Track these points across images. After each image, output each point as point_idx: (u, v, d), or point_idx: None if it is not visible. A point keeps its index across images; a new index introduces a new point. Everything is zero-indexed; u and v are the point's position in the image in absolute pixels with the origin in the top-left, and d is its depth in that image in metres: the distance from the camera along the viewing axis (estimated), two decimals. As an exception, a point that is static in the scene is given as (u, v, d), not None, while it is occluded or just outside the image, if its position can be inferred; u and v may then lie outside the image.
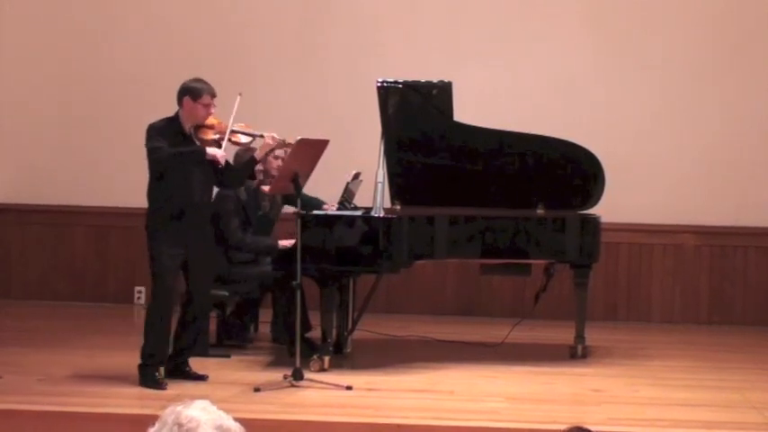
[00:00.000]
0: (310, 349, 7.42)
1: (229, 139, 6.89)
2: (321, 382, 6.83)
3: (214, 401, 2.74)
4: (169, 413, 2.69)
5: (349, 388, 6.79)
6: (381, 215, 7.35)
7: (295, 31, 9.96)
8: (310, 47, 9.93)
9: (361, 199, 7.98)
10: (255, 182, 7.82)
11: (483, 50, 9.81)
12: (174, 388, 6.66)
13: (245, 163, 7.12)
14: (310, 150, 7.11)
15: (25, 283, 10.03)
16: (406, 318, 9.36)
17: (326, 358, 7.31)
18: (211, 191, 7.06)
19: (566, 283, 8.45)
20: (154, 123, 6.81)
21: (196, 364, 7.07)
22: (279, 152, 7.84)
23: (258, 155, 7.12)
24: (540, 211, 7.99)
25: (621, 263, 9.79)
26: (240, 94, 6.88)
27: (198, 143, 6.86)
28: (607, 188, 8.08)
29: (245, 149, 7.31)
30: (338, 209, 7.79)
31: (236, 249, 7.86)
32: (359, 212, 7.60)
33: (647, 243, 9.80)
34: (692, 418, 6.40)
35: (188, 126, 6.84)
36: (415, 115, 7.98)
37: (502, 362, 7.74)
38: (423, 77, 8.10)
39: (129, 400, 6.52)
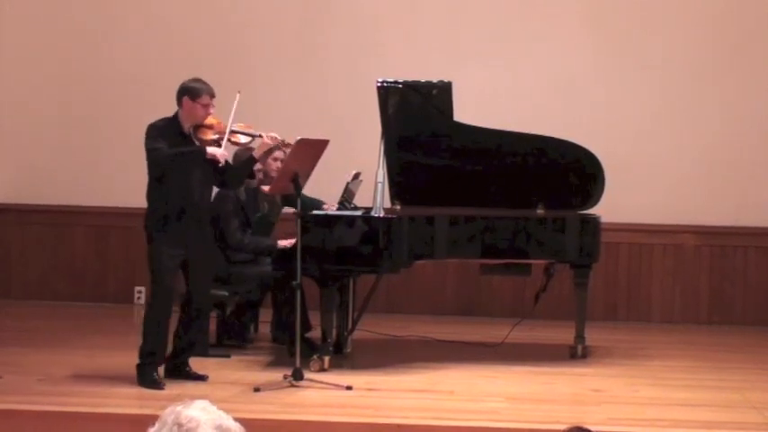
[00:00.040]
0: (310, 349, 7.41)
1: (229, 140, 6.89)
2: (321, 382, 6.83)
3: (214, 401, 2.74)
4: (169, 413, 2.69)
5: (349, 388, 6.78)
6: (381, 215, 7.35)
7: (295, 31, 9.96)
8: (310, 47, 9.93)
9: (361, 199, 7.98)
10: (256, 181, 7.82)
11: (483, 50, 9.81)
12: (174, 388, 6.66)
13: (244, 162, 7.12)
14: (310, 150, 7.11)
15: (25, 283, 10.03)
16: (406, 318, 9.36)
17: (326, 358, 7.31)
18: (211, 191, 7.06)
19: (566, 283, 8.45)
20: (154, 123, 6.81)
21: (196, 364, 7.07)
22: (278, 154, 7.84)
23: (257, 154, 7.12)
24: (540, 211, 7.99)
25: (621, 263, 9.79)
26: (239, 92, 6.88)
27: (197, 143, 6.86)
28: (607, 188, 8.08)
29: (244, 149, 7.30)
30: (338, 209, 7.79)
31: (235, 250, 7.86)
32: (359, 212, 7.60)
33: (647, 243, 9.80)
34: (692, 418, 6.39)
35: (187, 126, 6.84)
36: (415, 115, 7.98)
37: (502, 362, 7.74)
38: (423, 77, 8.10)
39: (128, 400, 6.52)
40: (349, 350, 7.96)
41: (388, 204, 7.85)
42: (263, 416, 6.05)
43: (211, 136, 6.88)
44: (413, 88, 7.93)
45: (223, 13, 10.00)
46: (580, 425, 3.07)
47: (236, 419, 2.71)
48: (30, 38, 10.09)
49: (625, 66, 9.80)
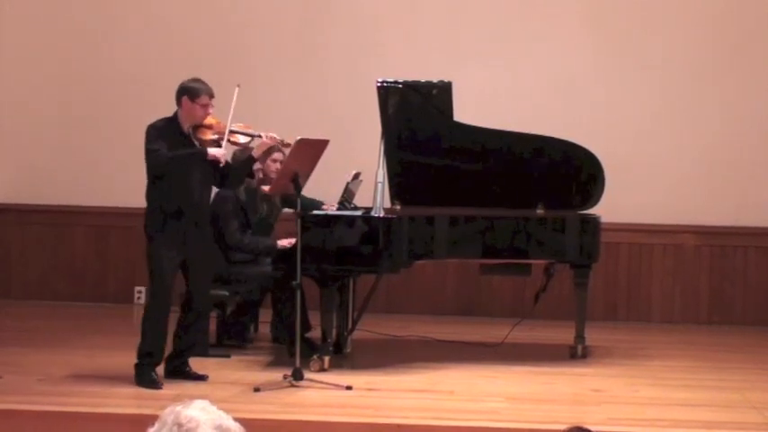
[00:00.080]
0: (310, 349, 7.41)
1: (228, 139, 6.88)
2: (321, 382, 6.83)
3: (214, 401, 2.74)
4: (169, 413, 2.68)
5: (349, 388, 6.78)
6: (381, 215, 7.35)
7: (295, 31, 9.96)
8: (310, 47, 9.93)
9: (361, 199, 7.98)
10: (256, 181, 7.82)
11: (483, 50, 9.81)
12: (174, 388, 6.66)
13: (243, 162, 7.11)
14: (310, 150, 7.11)
15: (25, 283, 10.03)
16: (406, 318, 9.36)
17: (326, 358, 7.31)
18: (210, 191, 7.06)
19: (566, 283, 8.45)
20: (153, 123, 6.81)
21: (196, 364, 7.07)
22: (277, 156, 7.85)
23: (256, 154, 7.11)
24: (540, 211, 7.99)
25: (621, 263, 9.79)
26: (238, 86, 6.88)
27: (197, 143, 6.86)
28: (607, 188, 8.08)
29: (243, 149, 7.30)
30: (338, 209, 7.79)
31: (234, 250, 7.86)
32: (359, 212, 7.60)
33: (647, 243, 9.80)
34: (692, 418, 6.39)
35: (186, 126, 6.84)
36: (415, 115, 7.98)
37: (502, 362, 7.74)
38: (423, 77, 8.10)
39: (128, 400, 6.52)
40: (349, 350, 7.96)
41: (388, 204, 7.85)
42: (263, 416, 6.05)
43: (211, 136, 6.88)
44: (413, 88, 7.93)
45: (223, 13, 10.00)
46: (580, 425, 3.07)
47: (236, 419, 2.71)
48: (30, 38, 10.09)
49: (625, 66, 9.80)
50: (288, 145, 7.09)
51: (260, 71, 9.73)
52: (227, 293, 7.83)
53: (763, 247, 9.74)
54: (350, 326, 7.94)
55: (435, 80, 8.01)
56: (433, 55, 9.70)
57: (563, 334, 8.26)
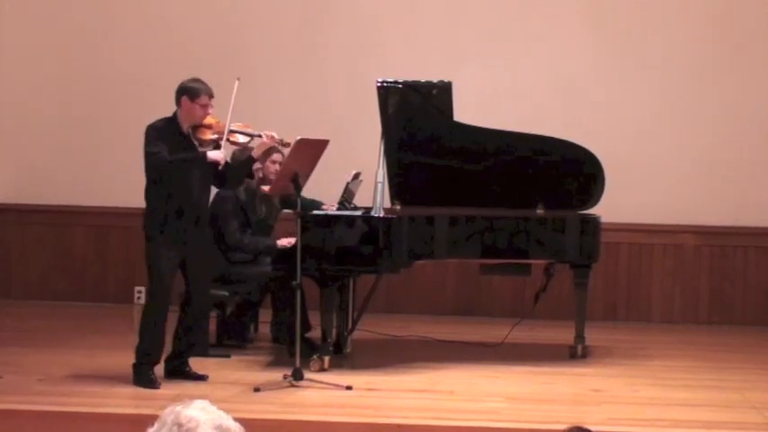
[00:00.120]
0: (310, 349, 7.42)
1: (227, 139, 6.88)
2: (321, 382, 6.83)
3: (214, 401, 2.74)
4: (168, 413, 2.68)
5: (349, 388, 6.79)
6: (381, 215, 7.35)
7: (295, 31, 9.96)
8: (310, 47, 9.93)
9: (361, 199, 7.98)
10: (255, 181, 7.82)
11: (483, 50, 9.81)
12: (174, 388, 6.66)
13: (243, 162, 7.11)
14: (310, 150, 7.11)
15: (25, 283, 10.03)
16: (406, 318, 9.36)
17: (326, 358, 7.31)
18: (209, 191, 7.05)
19: (566, 283, 8.45)
20: (153, 124, 6.81)
21: (196, 364, 7.07)
22: (276, 157, 7.85)
23: (256, 154, 7.11)
24: (540, 211, 7.99)
25: (621, 263, 9.79)
26: (238, 79, 6.88)
27: (196, 143, 6.86)
28: (607, 188, 8.08)
29: (242, 149, 7.30)
30: (338, 209, 7.79)
31: (234, 250, 7.86)
32: (359, 212, 7.60)
33: (647, 243, 9.80)
34: (692, 418, 6.40)
35: (186, 126, 6.83)
36: (415, 115, 7.98)
37: (502, 362, 7.74)
38: (423, 77, 8.10)
39: (128, 400, 6.52)
40: (349, 350, 7.96)
41: (388, 204, 7.84)
42: (263, 416, 6.05)
43: (210, 136, 6.88)
44: (413, 88, 7.93)
45: (223, 13, 10.00)
46: (580, 425, 3.07)
47: (236, 419, 2.71)
48: (30, 38, 10.09)
49: (625, 66, 9.80)
50: (288, 145, 7.09)
51: (260, 71, 9.73)
52: (227, 293, 7.83)
53: (763, 247, 9.74)
54: (350, 326, 7.94)
55: (435, 80, 8.02)
56: (433, 55, 9.70)
57: (563, 334, 8.26)
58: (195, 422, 2.65)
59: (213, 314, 7.77)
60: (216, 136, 6.87)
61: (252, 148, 7.12)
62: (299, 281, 6.88)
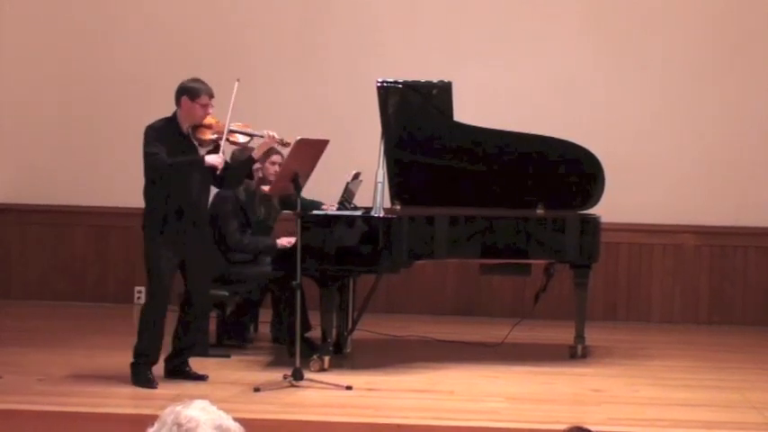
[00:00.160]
0: (310, 349, 7.42)
1: (227, 139, 6.87)
2: (321, 382, 6.83)
3: (214, 401, 2.74)
4: (168, 413, 2.68)
5: (349, 388, 6.78)
6: (381, 215, 7.35)
7: (295, 31, 9.96)
8: (310, 47, 9.93)
9: (361, 199, 7.98)
10: (255, 181, 7.82)
11: (483, 50, 9.81)
12: (174, 388, 6.66)
13: (243, 162, 7.10)
14: (310, 150, 7.11)
15: (25, 283, 10.03)
16: (406, 318, 9.36)
17: (326, 358, 7.31)
18: (209, 190, 7.04)
19: (566, 283, 8.45)
20: (152, 124, 6.80)
21: (196, 364, 7.07)
22: (276, 158, 7.85)
23: (256, 154, 7.11)
24: (540, 211, 7.99)
25: (621, 263, 9.79)
26: (238, 80, 6.88)
27: (196, 143, 6.86)
28: (607, 188, 8.08)
29: (242, 149, 7.29)
30: (338, 209, 7.79)
31: (234, 250, 7.86)
32: (359, 212, 7.60)
33: (647, 243, 9.80)
34: (692, 418, 6.40)
35: (186, 126, 6.83)
36: (415, 115, 7.98)
37: (502, 362, 7.74)
38: (423, 77, 8.10)
39: (128, 400, 6.52)
40: (349, 350, 7.96)
41: (388, 204, 7.84)
42: (263, 416, 6.05)
43: (210, 136, 6.87)
44: (413, 88, 7.93)
45: (223, 13, 10.00)
46: (580, 425, 3.07)
47: (236, 419, 2.71)
48: (30, 38, 10.09)
49: (625, 66, 9.80)
50: (287, 144, 7.08)
51: (260, 71, 9.73)
52: (227, 293, 7.83)
53: (763, 247, 9.74)
54: (350, 326, 7.94)
55: (435, 80, 8.02)
56: (433, 55, 9.70)
57: (563, 334, 8.26)
58: (195, 422, 2.65)
59: (213, 314, 7.77)
60: (216, 136, 6.86)
61: (252, 149, 7.11)
62: (299, 281, 6.88)
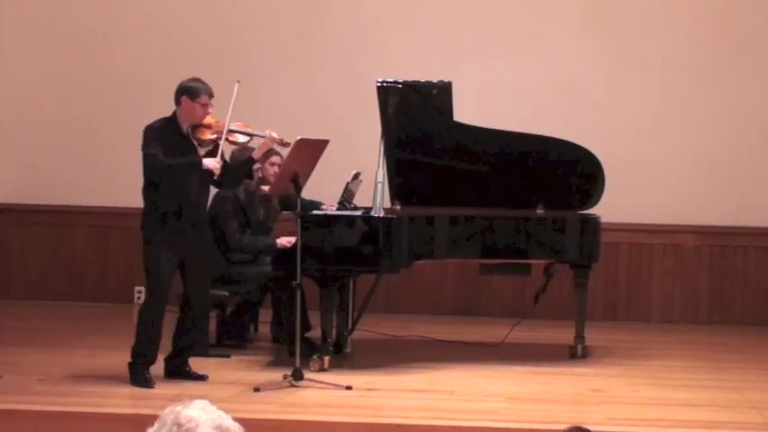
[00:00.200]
0: (310, 349, 7.42)
1: (227, 139, 6.86)
2: (321, 382, 6.83)
3: (214, 401, 2.74)
4: (168, 413, 2.68)
5: (349, 388, 6.78)
6: (381, 215, 7.35)
7: (295, 31, 9.96)
8: (310, 47, 9.93)
9: (361, 199, 7.98)
10: (255, 181, 7.82)
11: (483, 50, 9.81)
12: (174, 388, 6.66)
13: (243, 162, 7.10)
14: (310, 150, 7.11)
15: (25, 283, 10.03)
16: (406, 318, 9.36)
17: (326, 358, 7.31)
18: (208, 190, 7.04)
19: (566, 283, 8.45)
20: (151, 124, 6.80)
21: (196, 364, 7.07)
22: (275, 159, 7.85)
23: (256, 154, 7.11)
24: (540, 211, 7.99)
25: (621, 263, 9.79)
26: (238, 82, 6.87)
27: (196, 143, 6.85)
28: (607, 188, 8.08)
29: (242, 149, 7.29)
30: (338, 209, 7.79)
31: (234, 251, 7.86)
32: (359, 212, 7.60)
33: (647, 243, 9.80)
34: (692, 418, 6.40)
35: (185, 126, 6.83)
36: (415, 115, 7.98)
37: (502, 362, 7.74)
38: (423, 77, 8.10)
39: (128, 400, 6.52)
40: (349, 350, 7.96)
41: (388, 204, 7.84)
42: (263, 416, 6.05)
43: (210, 135, 6.87)
44: (413, 88, 7.93)
45: (223, 13, 10.00)
46: (580, 425, 3.07)
47: (236, 419, 2.71)
48: (30, 38, 10.09)
49: (625, 66, 9.80)
50: (287, 144, 7.08)
51: (260, 71, 9.73)
52: (226, 293, 7.83)
53: (763, 247, 9.74)
54: (350, 326, 7.94)
55: (435, 80, 8.01)
56: (433, 55, 9.70)
57: (563, 334, 8.26)
58: (195, 422, 2.64)
59: (213, 314, 7.77)
60: (215, 136, 6.86)
61: (252, 149, 7.11)
62: (299, 281, 6.88)
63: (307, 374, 6.88)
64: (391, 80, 7.85)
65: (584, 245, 7.91)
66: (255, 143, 7.11)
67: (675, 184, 9.75)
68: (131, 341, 6.91)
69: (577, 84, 9.78)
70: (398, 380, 7.20)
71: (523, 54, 9.83)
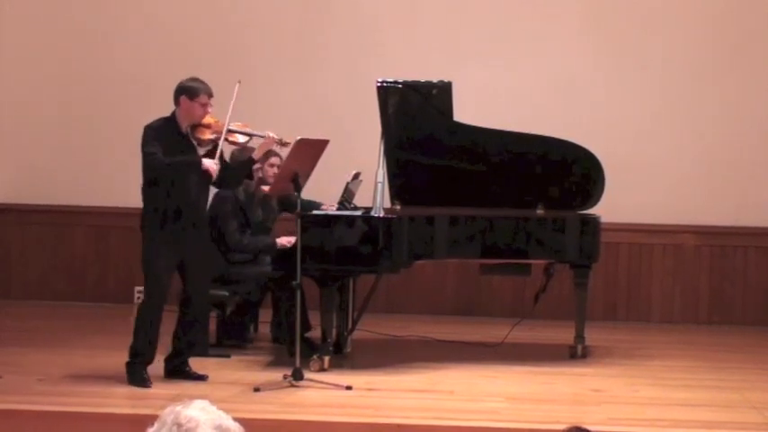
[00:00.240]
0: (310, 349, 7.42)
1: (226, 139, 6.86)
2: (321, 382, 6.83)
3: (214, 401, 2.73)
4: (168, 413, 2.68)
5: (349, 388, 6.78)
6: (381, 215, 7.35)
7: (295, 31, 9.96)
8: (310, 47, 9.93)
9: (361, 199, 7.98)
10: (255, 181, 7.82)
11: (483, 50, 9.81)
12: (174, 388, 6.66)
13: (242, 163, 7.09)
14: (310, 150, 7.10)
15: (25, 283, 10.03)
16: (406, 318, 9.36)
17: (326, 358, 7.31)
18: (208, 190, 7.03)
19: (566, 283, 8.45)
20: (150, 124, 6.79)
21: (196, 364, 7.07)
22: (275, 160, 7.85)
23: (256, 155, 7.10)
24: (540, 211, 7.99)
25: (621, 263, 9.79)
26: (239, 82, 6.87)
27: (195, 143, 6.85)
28: (607, 188, 8.08)
29: (242, 149, 7.29)
30: (338, 209, 7.78)
31: (234, 251, 7.86)
32: (359, 212, 7.60)
33: (647, 243, 9.80)
34: (692, 418, 6.40)
35: (185, 125, 6.82)
36: (415, 115, 7.98)
37: (502, 362, 7.74)
38: (423, 77, 8.10)
39: (128, 400, 6.52)
40: (349, 350, 7.96)
41: (388, 204, 7.84)
42: (263, 416, 6.05)
43: (209, 135, 6.87)
44: (413, 88, 7.93)
45: (223, 13, 10.00)
46: (579, 425, 3.07)
47: (236, 419, 2.71)
48: (30, 38, 10.09)
49: (625, 66, 9.80)
50: (287, 144, 7.07)
51: (260, 71, 9.73)
52: (227, 293, 7.83)
53: (763, 247, 9.74)
54: (350, 326, 7.94)
55: (435, 80, 8.02)
56: (433, 55, 9.70)
57: (563, 334, 8.26)
58: (195, 422, 2.64)
59: (213, 314, 7.77)
60: (214, 136, 6.85)
61: (252, 149, 7.10)
62: (299, 281, 6.88)
63: (307, 374, 6.88)
64: (391, 80, 7.85)
65: (584, 245, 7.91)
66: (255, 143, 7.11)
67: (675, 184, 9.75)
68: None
69: (577, 84, 9.78)
70: (398, 380, 7.20)
71: (523, 54, 9.83)
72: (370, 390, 6.86)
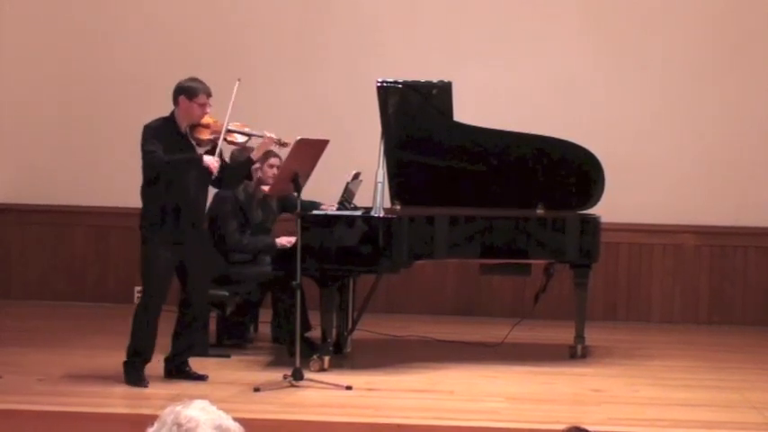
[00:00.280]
0: (310, 349, 7.42)
1: (225, 139, 6.86)
2: (321, 382, 6.83)
3: (214, 401, 2.73)
4: (168, 413, 2.68)
5: (349, 388, 6.79)
6: (381, 215, 7.35)
7: (295, 31, 9.96)
8: (310, 47, 9.93)
9: (361, 199, 7.98)
10: (255, 181, 7.81)
11: (483, 50, 9.81)
12: (174, 388, 6.66)
13: (242, 163, 7.08)
14: (310, 150, 7.10)
15: (25, 283, 10.03)
16: (406, 318, 9.36)
17: (326, 358, 7.31)
18: (207, 191, 7.03)
19: (566, 283, 8.45)
20: (150, 123, 6.79)
21: (196, 364, 7.07)
22: (274, 161, 7.85)
23: (255, 155, 7.10)
24: (540, 211, 7.99)
25: (621, 263, 9.79)
26: (239, 80, 6.87)
27: (194, 142, 6.85)
28: (607, 188, 8.08)
29: (242, 149, 7.28)
30: (338, 209, 7.78)
31: (234, 251, 7.86)
32: (359, 212, 7.60)
33: (647, 243, 9.80)
34: (692, 418, 6.40)
35: (184, 125, 6.82)
36: (415, 115, 7.98)
37: (502, 362, 7.74)
38: (423, 77, 8.10)
39: (128, 400, 6.52)
40: (349, 350, 7.96)
41: (388, 204, 7.84)
42: (263, 416, 6.05)
43: (208, 135, 6.86)
44: (413, 88, 7.93)
45: (223, 13, 10.00)
46: (579, 425, 3.07)
47: (236, 419, 2.71)
48: (30, 38, 10.09)
49: (625, 66, 9.80)
50: (286, 145, 7.07)
51: (260, 71, 9.73)
52: (227, 293, 7.83)
53: (763, 247, 9.74)
54: (350, 326, 7.94)
55: (435, 80, 8.02)
56: (433, 55, 9.70)
57: (563, 334, 8.26)
58: (195, 422, 2.64)
59: (213, 314, 7.77)
60: (213, 136, 6.85)
61: (251, 149, 7.09)
62: (299, 281, 6.88)
63: (307, 374, 6.89)
64: (391, 80, 7.85)
65: (584, 245, 7.91)
66: (254, 143, 7.10)
67: (675, 184, 9.75)
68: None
69: (577, 84, 9.78)
70: (398, 380, 7.20)
71: (523, 54, 9.83)
72: (370, 390, 6.86)
